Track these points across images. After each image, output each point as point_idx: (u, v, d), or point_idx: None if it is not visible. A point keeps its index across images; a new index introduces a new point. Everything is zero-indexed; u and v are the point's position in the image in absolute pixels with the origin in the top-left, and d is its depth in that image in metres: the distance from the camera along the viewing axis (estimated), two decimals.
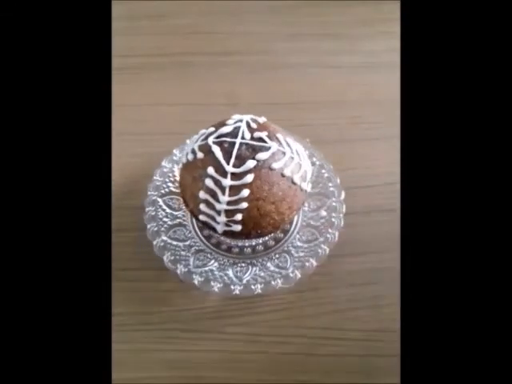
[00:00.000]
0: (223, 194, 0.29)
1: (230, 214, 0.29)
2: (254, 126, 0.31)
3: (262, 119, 0.32)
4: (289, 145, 0.31)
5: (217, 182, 0.29)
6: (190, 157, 0.31)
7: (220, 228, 0.30)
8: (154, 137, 0.43)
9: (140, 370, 0.31)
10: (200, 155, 0.30)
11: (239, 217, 0.29)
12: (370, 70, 0.49)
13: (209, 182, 0.29)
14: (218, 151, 0.29)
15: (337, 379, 0.31)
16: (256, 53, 0.51)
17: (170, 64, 0.50)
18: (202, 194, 0.29)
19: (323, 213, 0.37)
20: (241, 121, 0.31)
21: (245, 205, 0.29)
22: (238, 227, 0.30)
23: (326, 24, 0.54)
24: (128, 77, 0.48)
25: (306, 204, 0.37)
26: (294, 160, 0.30)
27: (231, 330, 0.33)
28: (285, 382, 0.31)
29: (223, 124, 0.31)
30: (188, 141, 0.38)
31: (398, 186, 0.39)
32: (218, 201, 0.29)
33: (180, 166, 0.33)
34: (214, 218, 0.30)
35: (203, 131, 0.32)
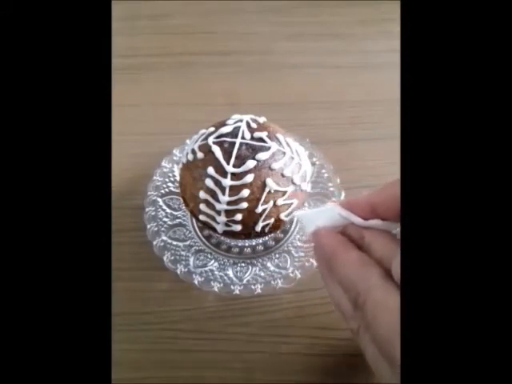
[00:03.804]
0: (223, 194, 0.29)
1: (229, 213, 0.29)
2: (254, 125, 0.31)
3: (262, 119, 0.32)
4: (289, 145, 0.31)
5: (217, 182, 0.29)
6: (190, 157, 0.31)
7: (220, 228, 0.30)
8: (153, 137, 0.43)
9: (140, 369, 0.31)
10: (200, 155, 0.30)
11: (239, 217, 0.29)
12: (370, 70, 0.49)
13: (209, 182, 0.29)
14: (218, 151, 0.29)
15: (337, 379, 0.31)
16: (256, 53, 0.51)
17: (170, 64, 0.50)
18: (202, 194, 0.29)
19: None
20: (241, 121, 0.31)
21: (245, 205, 0.29)
22: (238, 227, 0.30)
23: (326, 24, 0.54)
24: (128, 77, 0.48)
25: (306, 204, 0.37)
26: (293, 160, 0.30)
27: (231, 330, 0.33)
28: (285, 381, 0.31)
29: (223, 124, 0.31)
30: (188, 141, 0.38)
31: None
32: (218, 201, 0.29)
33: (180, 165, 0.33)
34: (214, 218, 0.30)
35: (203, 131, 0.32)
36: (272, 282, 0.33)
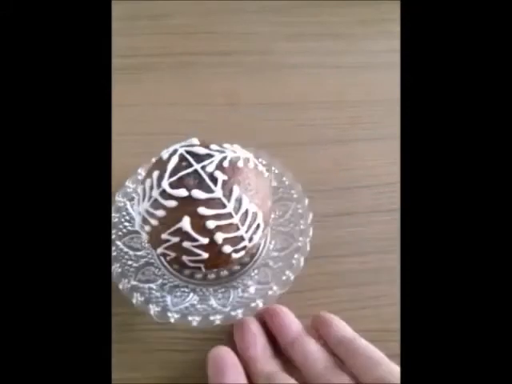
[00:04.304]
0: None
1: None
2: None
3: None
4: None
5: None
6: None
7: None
8: (153, 137, 0.43)
9: (140, 369, 0.31)
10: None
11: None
12: (370, 70, 0.49)
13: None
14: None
15: None
16: (256, 53, 0.51)
17: (170, 64, 0.50)
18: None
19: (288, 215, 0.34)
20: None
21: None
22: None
23: (326, 24, 0.54)
24: (128, 77, 0.48)
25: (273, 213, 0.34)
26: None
27: (231, 329, 0.33)
28: None
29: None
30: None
31: (398, 186, 0.39)
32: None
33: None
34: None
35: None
36: (252, 304, 0.30)
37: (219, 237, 0.27)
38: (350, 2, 0.56)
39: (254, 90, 0.47)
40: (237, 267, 0.33)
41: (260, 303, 0.30)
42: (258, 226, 0.29)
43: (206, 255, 0.28)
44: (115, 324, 0.32)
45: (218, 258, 0.29)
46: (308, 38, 0.52)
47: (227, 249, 0.28)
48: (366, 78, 0.49)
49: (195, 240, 0.27)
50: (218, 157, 0.28)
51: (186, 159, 0.28)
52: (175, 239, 0.27)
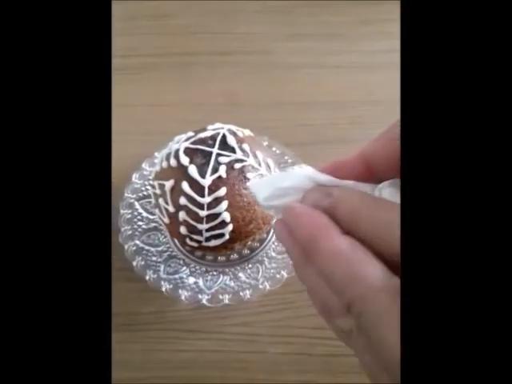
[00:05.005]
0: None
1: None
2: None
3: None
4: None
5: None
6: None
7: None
8: (154, 137, 0.43)
9: (140, 369, 0.31)
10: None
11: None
12: (369, 70, 0.49)
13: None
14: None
15: (337, 379, 0.31)
16: (256, 53, 0.51)
17: (170, 64, 0.50)
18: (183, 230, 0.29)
19: None
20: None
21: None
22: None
23: (326, 24, 0.54)
24: (128, 77, 0.48)
25: None
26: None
27: (231, 330, 0.33)
28: (285, 381, 0.31)
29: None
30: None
31: None
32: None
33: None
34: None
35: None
36: (241, 293, 0.31)
37: (181, 215, 0.29)
38: (350, 2, 0.56)
39: (254, 90, 0.47)
40: (256, 244, 0.35)
41: (248, 294, 0.32)
42: (222, 235, 0.30)
43: (166, 220, 0.30)
44: (115, 324, 0.32)
45: (175, 233, 0.30)
46: (308, 38, 0.52)
47: (183, 230, 0.29)
48: (366, 78, 0.49)
49: (166, 203, 0.30)
50: (237, 156, 0.29)
51: (215, 140, 0.30)
52: (158, 191, 0.30)
